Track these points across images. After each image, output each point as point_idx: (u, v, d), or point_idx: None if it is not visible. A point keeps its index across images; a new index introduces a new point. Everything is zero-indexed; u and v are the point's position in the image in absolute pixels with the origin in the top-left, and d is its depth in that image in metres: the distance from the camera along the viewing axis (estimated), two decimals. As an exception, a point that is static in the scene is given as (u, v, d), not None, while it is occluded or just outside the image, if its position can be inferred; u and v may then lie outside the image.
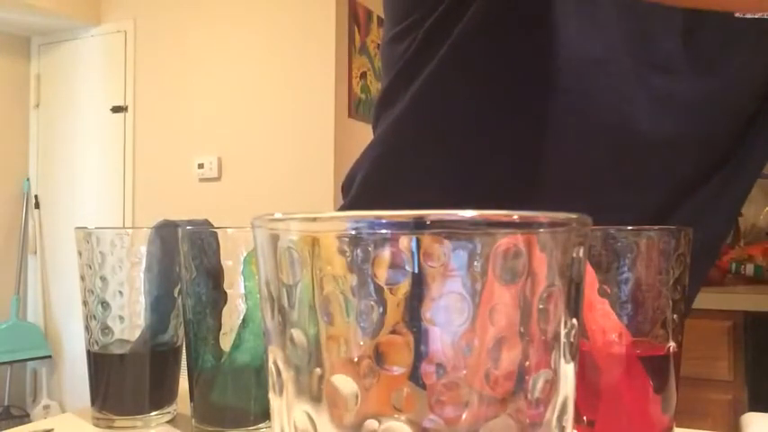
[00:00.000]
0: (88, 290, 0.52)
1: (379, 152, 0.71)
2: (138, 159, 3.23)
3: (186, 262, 0.48)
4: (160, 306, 0.53)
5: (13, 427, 0.52)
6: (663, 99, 0.62)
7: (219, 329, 0.47)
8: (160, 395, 0.53)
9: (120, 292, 0.52)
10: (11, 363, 3.21)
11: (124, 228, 0.53)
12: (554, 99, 0.62)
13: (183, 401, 0.53)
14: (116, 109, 3.28)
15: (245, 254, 0.47)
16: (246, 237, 0.47)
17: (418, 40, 0.68)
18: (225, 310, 0.47)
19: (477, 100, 0.65)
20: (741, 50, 0.63)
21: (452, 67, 0.65)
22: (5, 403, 3.29)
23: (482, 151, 0.65)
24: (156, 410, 0.52)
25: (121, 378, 0.52)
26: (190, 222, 0.53)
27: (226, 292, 0.47)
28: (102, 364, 0.52)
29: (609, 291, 0.43)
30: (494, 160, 0.65)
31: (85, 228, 0.52)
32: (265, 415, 0.49)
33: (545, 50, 0.61)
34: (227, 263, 0.47)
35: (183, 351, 0.52)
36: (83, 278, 0.53)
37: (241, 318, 0.47)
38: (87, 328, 0.53)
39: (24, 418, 3.26)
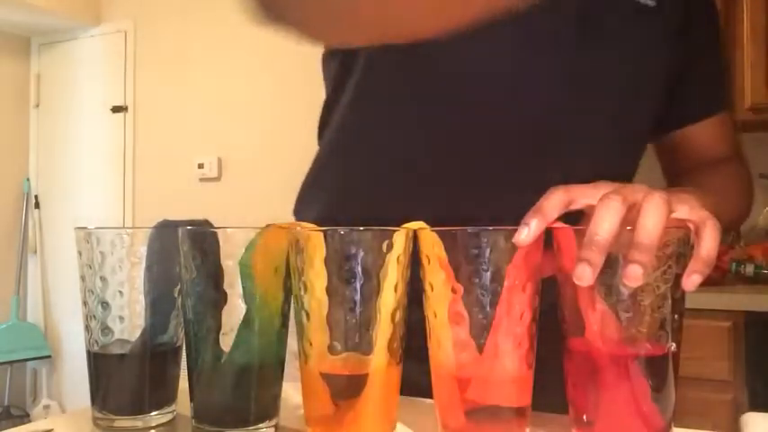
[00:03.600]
0: (88, 290, 0.52)
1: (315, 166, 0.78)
2: (138, 159, 3.23)
3: (186, 262, 0.48)
4: (160, 306, 0.53)
5: (12, 427, 0.52)
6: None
7: (219, 329, 0.47)
8: (160, 395, 0.53)
9: (120, 292, 0.52)
10: (11, 363, 3.21)
11: (124, 228, 0.52)
12: (459, 112, 0.66)
13: (183, 401, 0.53)
14: (116, 109, 3.28)
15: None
16: (246, 237, 0.47)
17: (337, 66, 0.73)
18: (225, 310, 0.47)
19: (391, 126, 0.69)
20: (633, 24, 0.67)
21: (365, 96, 0.70)
22: (5, 403, 3.29)
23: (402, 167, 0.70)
24: (156, 410, 0.52)
25: (121, 378, 0.52)
26: (190, 222, 0.53)
27: (226, 292, 0.47)
28: (102, 364, 0.52)
29: (609, 291, 0.43)
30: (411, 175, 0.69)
31: (85, 228, 0.52)
32: (265, 415, 0.49)
33: (441, 70, 0.65)
34: (227, 263, 0.47)
35: (183, 351, 0.52)
36: (83, 278, 0.53)
37: (241, 318, 0.47)
38: (87, 328, 0.53)
39: (24, 418, 3.26)
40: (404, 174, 0.68)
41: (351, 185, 0.73)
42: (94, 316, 0.52)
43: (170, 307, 0.53)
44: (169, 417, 0.54)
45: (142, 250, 0.52)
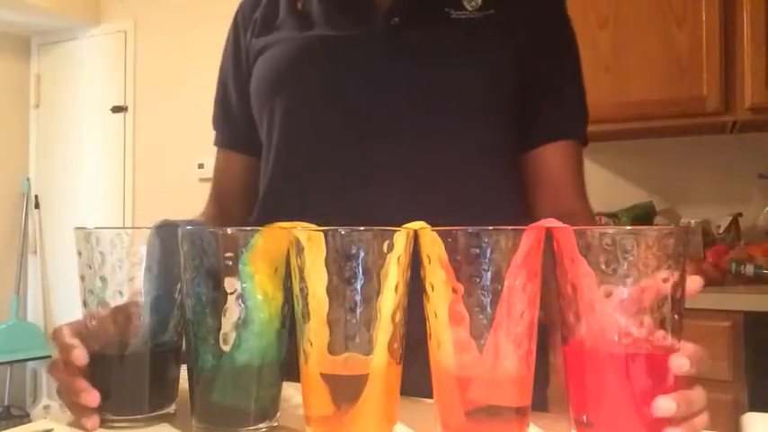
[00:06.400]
0: (88, 290, 0.52)
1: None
2: (138, 159, 3.23)
3: (186, 262, 0.48)
4: (160, 306, 0.53)
5: (12, 427, 0.52)
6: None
7: (219, 329, 0.47)
8: (160, 395, 0.53)
9: (120, 293, 0.52)
10: (11, 363, 3.21)
11: (124, 228, 0.52)
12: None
13: (183, 401, 0.53)
14: (116, 109, 3.28)
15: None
16: (246, 237, 0.47)
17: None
18: (225, 310, 0.47)
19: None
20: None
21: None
22: (5, 403, 3.29)
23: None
24: (156, 410, 0.52)
25: (121, 378, 0.52)
26: (190, 222, 0.53)
27: (226, 292, 0.47)
28: (102, 364, 0.52)
29: (609, 291, 0.43)
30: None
31: (85, 228, 0.52)
32: (265, 415, 0.49)
33: None
34: (227, 263, 0.47)
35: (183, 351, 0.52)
36: (83, 278, 0.53)
37: (241, 318, 0.47)
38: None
39: (24, 418, 3.26)
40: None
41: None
42: (94, 316, 0.52)
43: (170, 307, 0.53)
44: (169, 417, 0.54)
45: (142, 250, 0.52)
